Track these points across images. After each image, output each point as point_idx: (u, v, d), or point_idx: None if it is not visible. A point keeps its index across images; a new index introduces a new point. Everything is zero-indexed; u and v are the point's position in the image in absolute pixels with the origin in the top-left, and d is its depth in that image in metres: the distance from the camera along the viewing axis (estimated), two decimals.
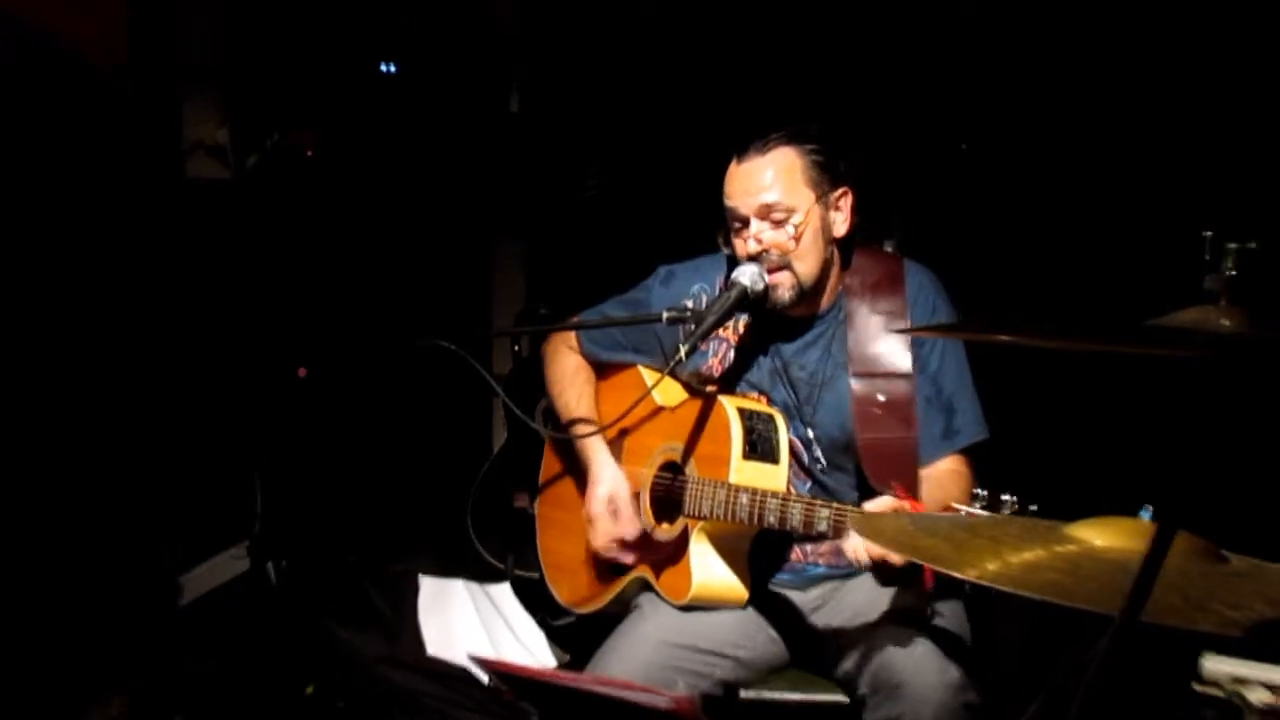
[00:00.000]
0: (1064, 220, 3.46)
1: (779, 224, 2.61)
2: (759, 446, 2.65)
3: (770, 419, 2.71)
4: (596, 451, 2.82)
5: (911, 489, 2.46)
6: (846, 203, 2.68)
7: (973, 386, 2.66)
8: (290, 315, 3.82)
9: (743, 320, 2.78)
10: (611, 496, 2.74)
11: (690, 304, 2.84)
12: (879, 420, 2.60)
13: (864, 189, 2.70)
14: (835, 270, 2.73)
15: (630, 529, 2.72)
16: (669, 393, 2.88)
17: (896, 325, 2.64)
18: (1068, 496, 1.99)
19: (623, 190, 4.11)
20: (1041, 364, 3.01)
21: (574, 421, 2.89)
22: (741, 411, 2.69)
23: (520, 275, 4.48)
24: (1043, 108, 3.41)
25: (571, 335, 3.00)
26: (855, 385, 2.64)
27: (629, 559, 2.74)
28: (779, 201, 2.60)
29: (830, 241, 2.68)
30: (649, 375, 2.95)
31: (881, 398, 2.61)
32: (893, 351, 2.65)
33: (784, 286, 2.63)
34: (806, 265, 2.65)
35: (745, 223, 2.63)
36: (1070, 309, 3.19)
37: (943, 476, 2.58)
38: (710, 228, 2.77)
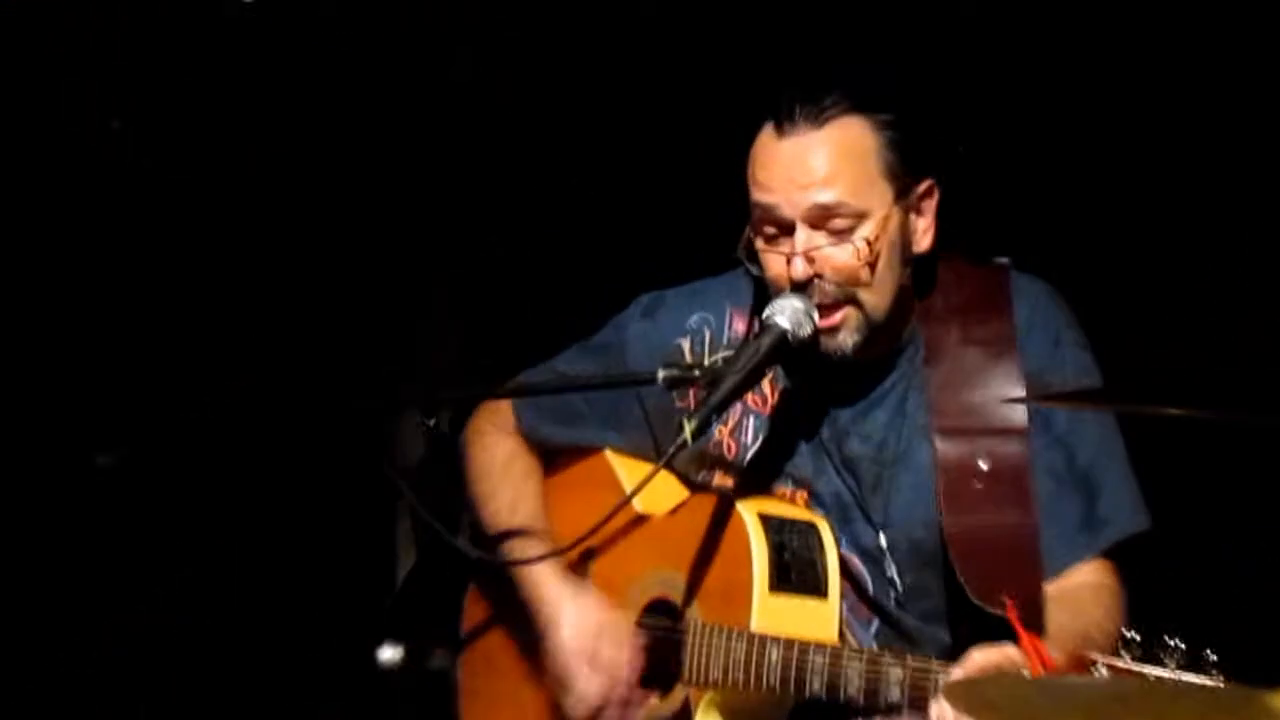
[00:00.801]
0: (1237, 236, 3.58)
1: (841, 235, 2.62)
2: (794, 572, 2.68)
3: (810, 530, 2.71)
4: (547, 580, 2.82)
5: (1032, 606, 2.51)
6: (930, 205, 2.71)
7: (1124, 455, 2.69)
8: (86, 374, 3.80)
9: (771, 375, 2.79)
10: (586, 634, 2.76)
11: (686, 345, 2.85)
12: (980, 499, 2.63)
13: (954, 182, 2.75)
14: (910, 296, 2.76)
15: (624, 675, 2.77)
16: (656, 491, 2.84)
17: (1003, 359, 2.68)
18: (1267, 645, 2.06)
19: (600, 191, 4.14)
20: (1211, 436, 2.87)
21: (506, 537, 2.91)
22: (766, 521, 2.69)
23: (452, 316, 4.47)
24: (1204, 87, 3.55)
25: (504, 408, 2.99)
26: (942, 448, 2.67)
27: None
28: (844, 203, 2.61)
29: (909, 260, 2.71)
30: (625, 468, 2.95)
31: (983, 465, 2.64)
32: (998, 397, 2.68)
33: (846, 330, 2.66)
34: (879, 297, 2.66)
35: (788, 230, 2.64)
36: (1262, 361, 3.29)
37: (1080, 595, 2.61)
38: (723, 239, 2.76)
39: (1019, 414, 2.68)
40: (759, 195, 2.63)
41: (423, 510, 2.96)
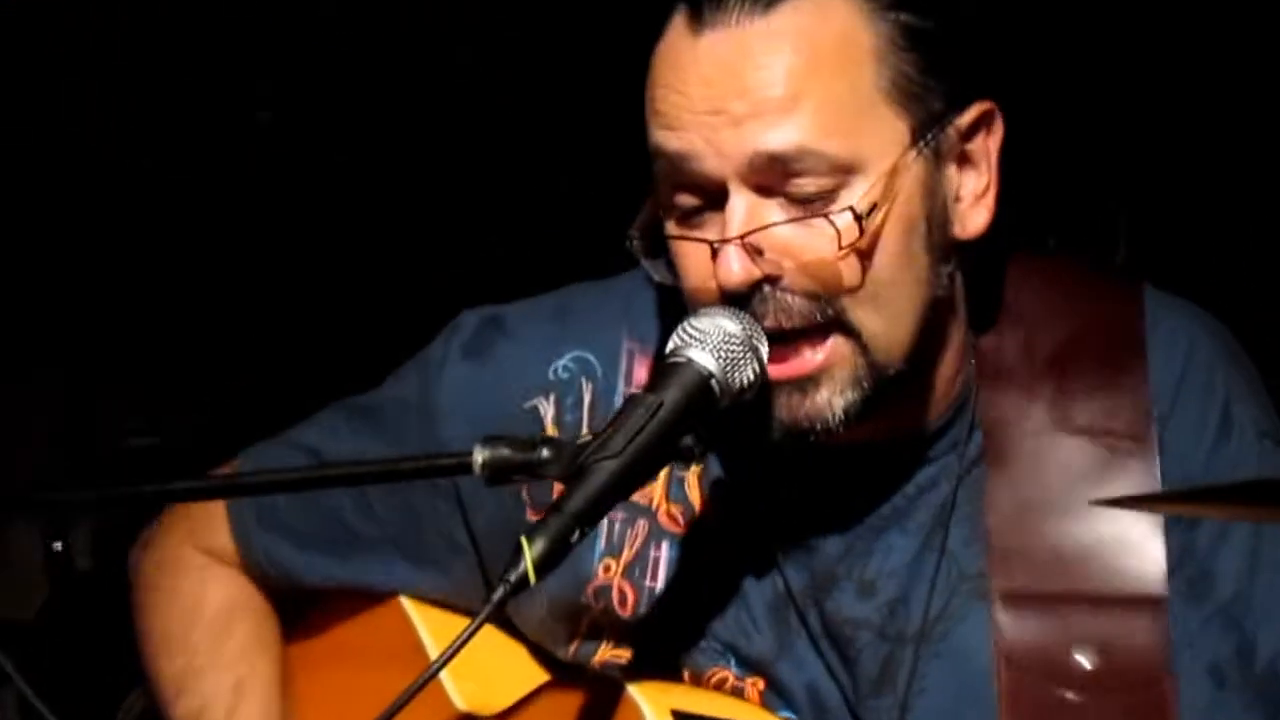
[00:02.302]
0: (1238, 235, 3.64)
1: (810, 206, 2.06)
2: None
3: None
4: None
5: None
6: (989, 148, 2.15)
7: None
8: None
9: (693, 469, 2.29)
10: None
11: (547, 410, 2.37)
12: (1075, 719, 2.20)
13: (1027, 111, 2.26)
14: (958, 321, 2.24)
15: None
16: (496, 673, 2.40)
17: (1129, 460, 2.23)
18: None
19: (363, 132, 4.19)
20: None
21: None
22: None
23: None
24: None
25: (212, 516, 2.50)
26: (1010, 624, 2.20)
27: None
28: (813, 149, 2.04)
29: (947, 253, 2.15)
30: (432, 627, 2.48)
31: (1084, 660, 2.18)
32: (1118, 539, 2.21)
33: (833, 381, 2.11)
34: (888, 319, 2.11)
35: (715, 199, 2.10)
36: None
37: None
38: (608, 229, 2.27)
39: (1151, 567, 2.18)
40: (663, 138, 2.07)
41: (37, 701, 2.11)
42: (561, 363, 2.35)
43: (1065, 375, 2.25)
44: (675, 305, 2.21)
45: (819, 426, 2.08)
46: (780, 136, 2.02)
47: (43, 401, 4.37)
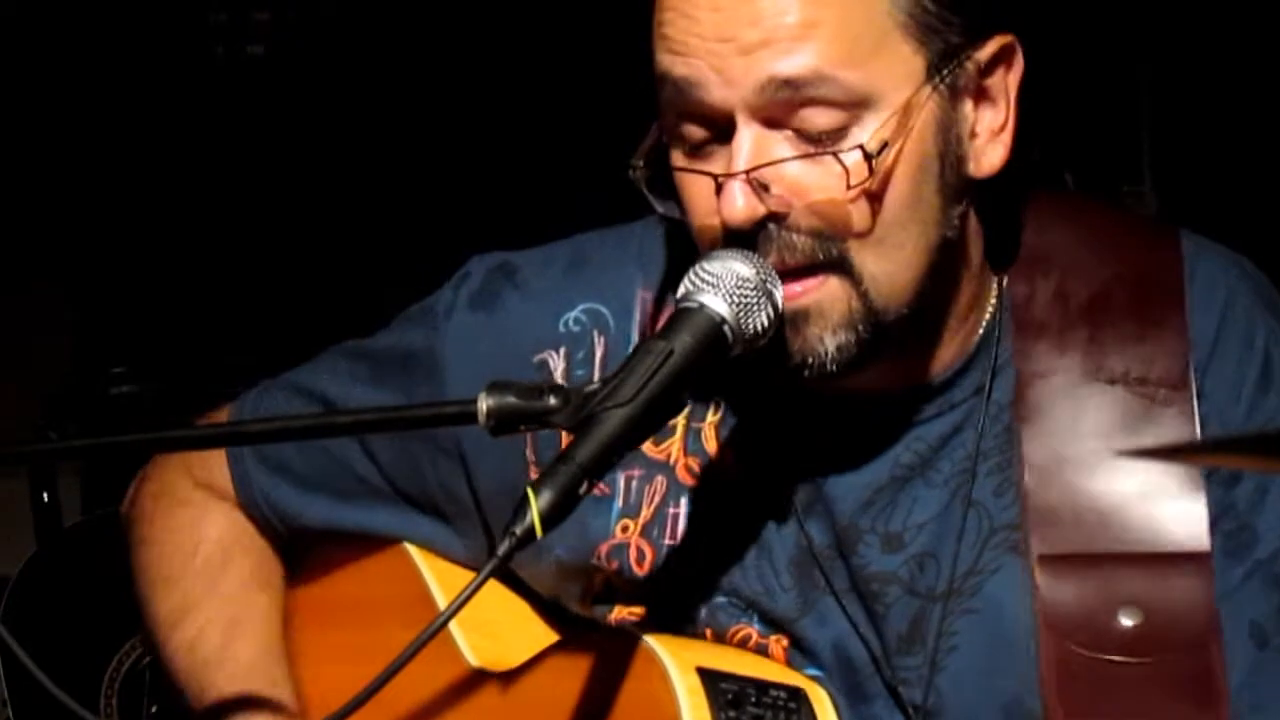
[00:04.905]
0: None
1: (819, 143, 2.02)
2: None
3: (794, 703, 2.18)
4: None
5: None
6: (1007, 84, 2.10)
7: None
8: None
9: (710, 414, 2.24)
10: None
11: (557, 364, 2.30)
12: (1117, 686, 2.12)
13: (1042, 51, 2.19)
14: (975, 264, 2.19)
15: None
16: (507, 632, 2.37)
17: (1166, 410, 2.18)
18: None
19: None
20: None
21: (211, 698, 2.41)
22: (711, 683, 2.15)
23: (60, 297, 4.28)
24: None
25: (212, 460, 2.45)
26: (1047, 585, 2.15)
27: None
28: (829, 75, 2.00)
29: (959, 193, 2.09)
30: (441, 578, 2.41)
31: (1126, 620, 2.12)
32: (1158, 493, 2.16)
33: (824, 318, 2.06)
34: (890, 261, 2.07)
35: (722, 132, 2.05)
36: None
37: None
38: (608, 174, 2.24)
39: (1194, 522, 2.12)
40: (669, 62, 2.03)
41: (23, 655, 2.22)
42: (573, 315, 2.29)
43: (1100, 324, 2.19)
44: (689, 248, 2.15)
45: (811, 362, 2.03)
46: (794, 62, 1.97)
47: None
